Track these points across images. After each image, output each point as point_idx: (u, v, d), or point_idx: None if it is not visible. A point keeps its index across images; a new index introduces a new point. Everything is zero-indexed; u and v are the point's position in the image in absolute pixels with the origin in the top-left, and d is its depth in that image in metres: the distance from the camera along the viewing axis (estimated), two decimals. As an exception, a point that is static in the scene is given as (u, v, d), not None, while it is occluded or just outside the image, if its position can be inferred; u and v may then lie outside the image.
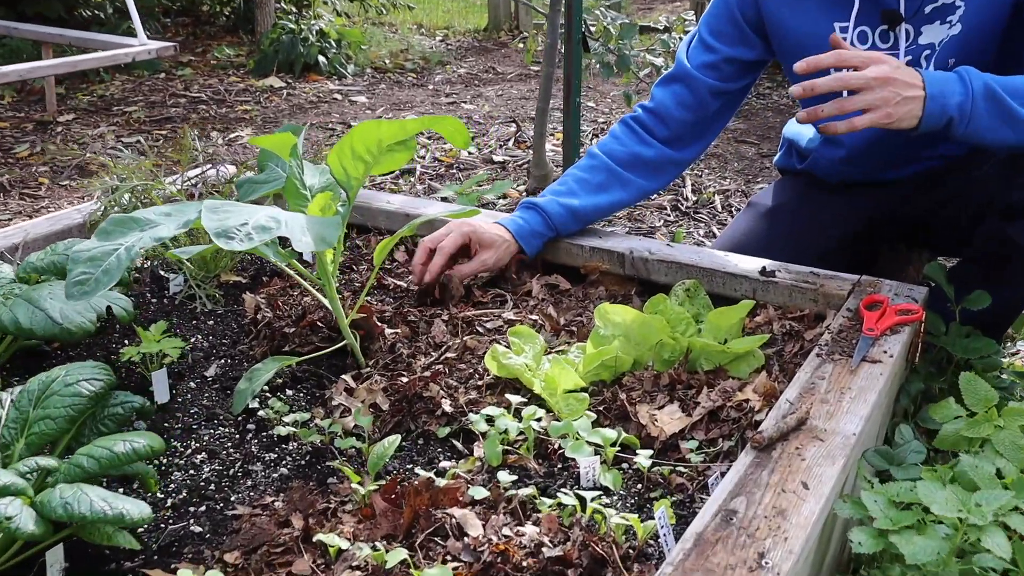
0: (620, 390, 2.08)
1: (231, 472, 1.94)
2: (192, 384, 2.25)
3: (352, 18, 11.59)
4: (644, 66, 5.35)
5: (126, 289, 2.62)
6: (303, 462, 1.97)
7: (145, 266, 2.84)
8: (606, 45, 4.88)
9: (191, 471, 1.95)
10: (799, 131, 3.00)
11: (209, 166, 2.75)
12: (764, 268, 2.43)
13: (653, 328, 2.15)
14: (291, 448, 2.01)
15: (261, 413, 2.08)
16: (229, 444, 2.04)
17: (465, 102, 7.58)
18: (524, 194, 4.87)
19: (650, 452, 1.83)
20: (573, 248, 2.66)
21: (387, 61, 9.12)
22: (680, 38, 5.42)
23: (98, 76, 8.14)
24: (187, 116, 6.96)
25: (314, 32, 8.63)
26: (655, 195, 4.97)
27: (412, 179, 5.22)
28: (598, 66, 4.94)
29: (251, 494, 1.86)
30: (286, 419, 2.05)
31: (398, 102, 7.62)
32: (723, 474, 1.77)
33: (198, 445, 2.03)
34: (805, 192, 2.91)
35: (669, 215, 4.68)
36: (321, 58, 8.49)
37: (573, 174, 2.71)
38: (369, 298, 2.55)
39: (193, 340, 2.46)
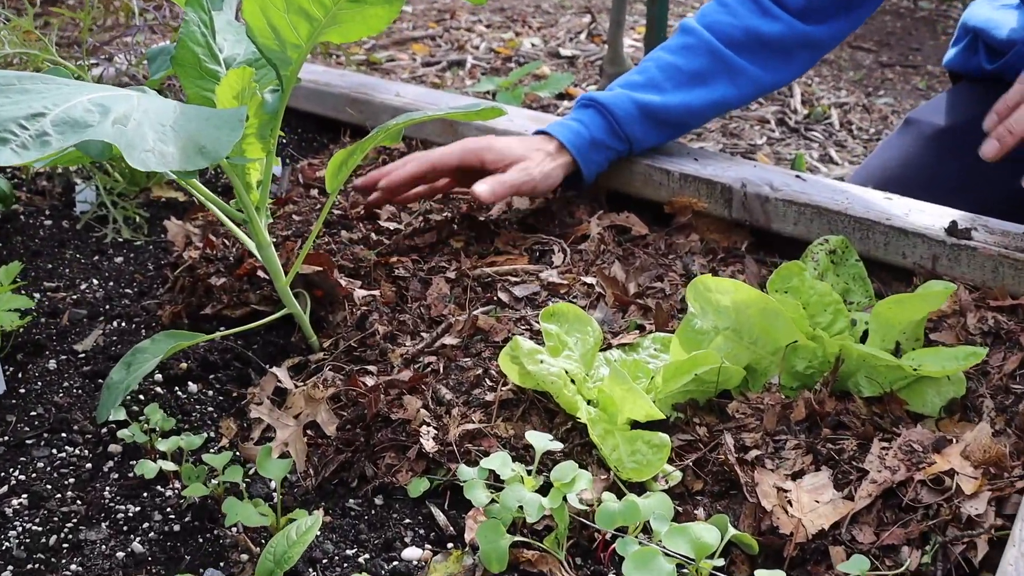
0: (725, 429, 1.22)
1: (50, 541, 1.14)
2: (52, 364, 1.45)
3: None
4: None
5: (6, 205, 1.82)
6: (177, 528, 1.16)
7: (58, 172, 2.03)
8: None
9: (-9, 531, 1.15)
10: (991, 17, 2.07)
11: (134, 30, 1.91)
12: (955, 224, 1.54)
13: (781, 320, 1.29)
14: (165, 499, 1.21)
15: (126, 432, 1.27)
16: (70, 481, 1.24)
17: (535, -11, 6.60)
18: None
19: (780, 574, 0.99)
20: (654, 173, 1.78)
21: (451, -59, 8.13)
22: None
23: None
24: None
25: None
26: (761, 100, 4.03)
27: (461, 72, 4.33)
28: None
29: (65, 595, 1.07)
30: (163, 444, 1.23)
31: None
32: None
33: (22, 479, 1.23)
34: None
35: (773, 131, 3.75)
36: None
37: (659, 58, 1.82)
38: (350, 234, 1.72)
39: (84, 287, 1.66)
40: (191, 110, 1.04)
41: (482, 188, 1.63)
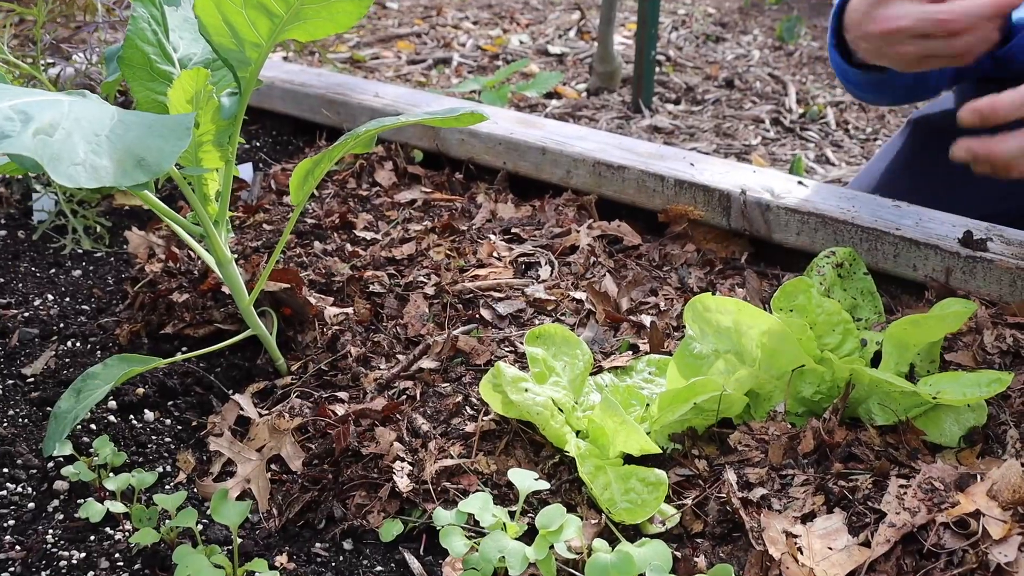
0: (726, 463, 1.12)
1: (-15, 593, 1.03)
2: (-3, 388, 1.34)
3: None
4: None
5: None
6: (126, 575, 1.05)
7: (17, 178, 1.92)
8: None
9: (-81, 581, 1.05)
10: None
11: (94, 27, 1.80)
12: (969, 234, 1.44)
13: (787, 342, 1.19)
14: (113, 543, 1.10)
15: (70, 469, 1.16)
16: (10, 523, 1.13)
17: (524, -15, 6.50)
18: (584, 95, 3.85)
19: (793, 636, 0.89)
20: (648, 179, 1.68)
21: (439, -63, 8.02)
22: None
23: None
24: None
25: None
26: (755, 99, 3.93)
27: (447, 70, 4.22)
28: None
29: (-6, 659, 0.96)
30: (112, 483, 1.13)
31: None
32: None
33: (-43, 520, 1.13)
34: None
35: (768, 130, 3.65)
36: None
37: None
38: (324, 245, 1.61)
39: (37, 303, 1.55)
40: (132, 117, 0.93)
41: None
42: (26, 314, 1.51)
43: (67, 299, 1.56)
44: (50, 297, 1.57)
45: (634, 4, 4.71)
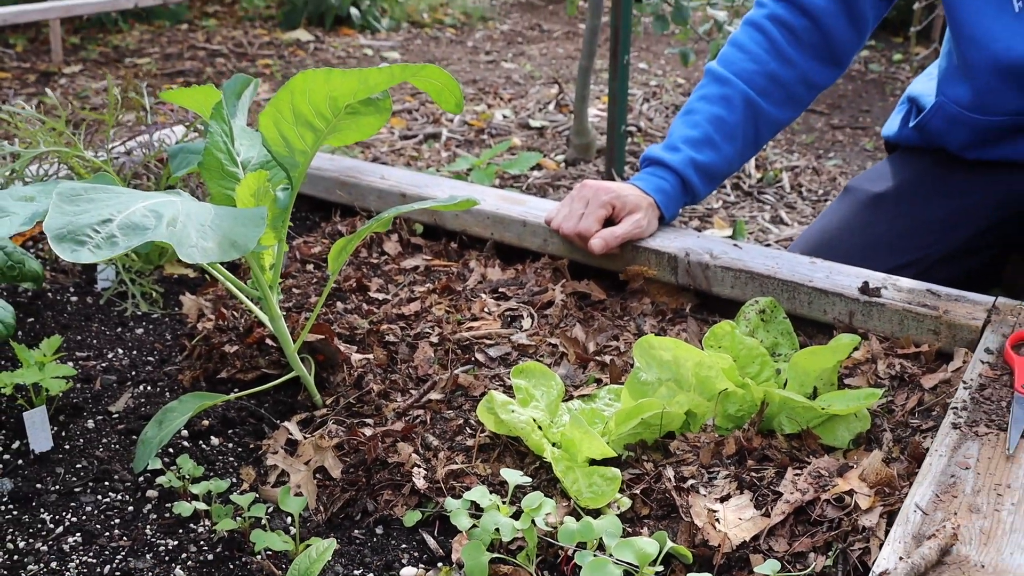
0: (667, 464, 1.47)
1: (105, 570, 1.36)
2: (91, 423, 1.68)
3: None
4: (704, 20, 4.68)
5: (38, 284, 2.05)
6: (211, 557, 1.38)
7: (78, 251, 2.26)
8: (662, -5, 4.22)
9: (53, 563, 1.37)
10: (926, 87, 2.31)
11: (152, 128, 2.16)
12: (867, 284, 1.80)
13: (715, 371, 1.54)
14: (199, 534, 1.43)
15: (162, 479, 1.49)
16: (116, 521, 1.46)
17: (505, 61, 6.94)
18: (563, 165, 4.24)
19: (708, 577, 1.23)
20: (611, 245, 2.04)
21: (425, 15, 8.49)
22: (747, -10, 4.72)
23: (116, 26, 7.60)
24: (201, 70, 6.40)
25: (347, -19, 8.03)
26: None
27: (437, 145, 4.61)
28: (650, 19, 4.28)
29: (122, 613, 1.29)
30: (195, 488, 1.46)
31: (432, 60, 6.99)
32: (822, 628, 1.16)
33: (74, 520, 1.45)
34: (929, 174, 2.23)
35: (728, 194, 4.04)
36: (354, 10, 7.88)
37: (704, 109, 2.12)
38: (344, 305, 1.96)
39: (111, 356, 1.89)
40: (222, 211, 1.28)
41: (596, 243, 1.95)
42: (103, 364, 1.85)
43: (134, 352, 1.90)
44: (120, 351, 1.91)
45: (608, 77, 5.11)
